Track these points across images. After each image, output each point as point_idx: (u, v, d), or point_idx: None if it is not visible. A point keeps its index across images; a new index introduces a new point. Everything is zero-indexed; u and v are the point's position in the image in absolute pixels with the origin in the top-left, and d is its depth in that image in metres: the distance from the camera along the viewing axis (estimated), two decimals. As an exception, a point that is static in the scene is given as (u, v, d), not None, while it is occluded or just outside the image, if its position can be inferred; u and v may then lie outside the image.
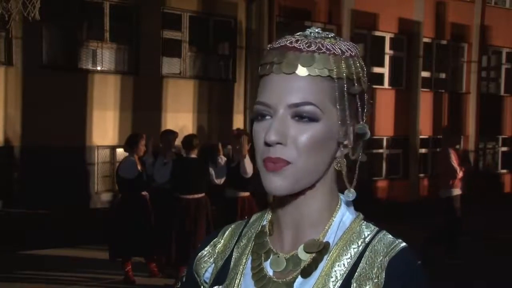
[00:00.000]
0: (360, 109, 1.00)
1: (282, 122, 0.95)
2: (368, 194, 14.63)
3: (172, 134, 7.22)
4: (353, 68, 0.98)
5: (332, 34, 1.01)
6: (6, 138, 10.86)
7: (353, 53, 0.99)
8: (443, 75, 17.64)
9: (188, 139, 6.74)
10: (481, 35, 17.67)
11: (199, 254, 1.14)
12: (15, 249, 8.29)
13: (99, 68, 11.95)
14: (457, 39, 17.50)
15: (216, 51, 13.80)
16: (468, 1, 17.46)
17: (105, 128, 11.77)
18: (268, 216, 1.10)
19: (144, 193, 6.84)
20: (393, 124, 15.87)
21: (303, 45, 0.97)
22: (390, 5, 15.39)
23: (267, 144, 0.95)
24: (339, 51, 0.97)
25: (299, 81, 0.95)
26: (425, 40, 16.67)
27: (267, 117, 0.97)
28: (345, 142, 0.99)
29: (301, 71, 0.95)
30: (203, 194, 6.63)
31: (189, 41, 12.97)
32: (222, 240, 1.13)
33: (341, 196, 1.06)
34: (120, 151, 11.21)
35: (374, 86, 15.71)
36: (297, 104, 0.95)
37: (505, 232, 10.21)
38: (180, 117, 12.39)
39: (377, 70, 16.03)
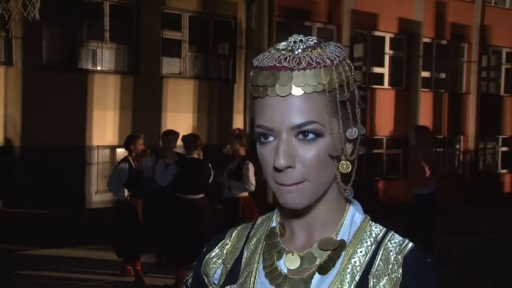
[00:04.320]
0: (351, 113, 1.00)
1: (287, 145, 0.96)
2: (368, 194, 14.63)
3: (172, 134, 7.17)
4: (343, 74, 0.98)
5: (316, 40, 0.99)
6: (6, 138, 10.86)
7: (341, 58, 0.98)
8: (443, 75, 17.63)
9: (189, 139, 6.72)
10: (481, 35, 17.67)
11: (207, 255, 1.16)
12: (15, 249, 8.29)
13: (99, 68, 11.95)
14: (457, 39, 17.50)
15: (216, 51, 13.80)
16: (468, 1, 17.46)
17: (105, 128, 11.77)
18: (276, 218, 1.12)
19: (128, 193, 6.82)
20: (393, 124, 15.87)
21: (293, 64, 0.95)
22: (390, 5, 15.39)
23: (277, 169, 0.96)
24: (329, 61, 0.96)
25: (296, 101, 0.95)
26: (425, 40, 16.66)
27: (270, 138, 0.98)
28: (343, 149, 1.00)
29: (296, 91, 0.95)
30: (203, 194, 6.62)
31: (189, 41, 12.97)
32: (230, 242, 1.16)
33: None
34: (120, 151, 11.22)
35: (374, 86, 15.73)
36: (300, 125, 0.95)
37: (505, 232, 10.21)
38: (180, 117, 12.38)
39: (377, 70, 16.03)
